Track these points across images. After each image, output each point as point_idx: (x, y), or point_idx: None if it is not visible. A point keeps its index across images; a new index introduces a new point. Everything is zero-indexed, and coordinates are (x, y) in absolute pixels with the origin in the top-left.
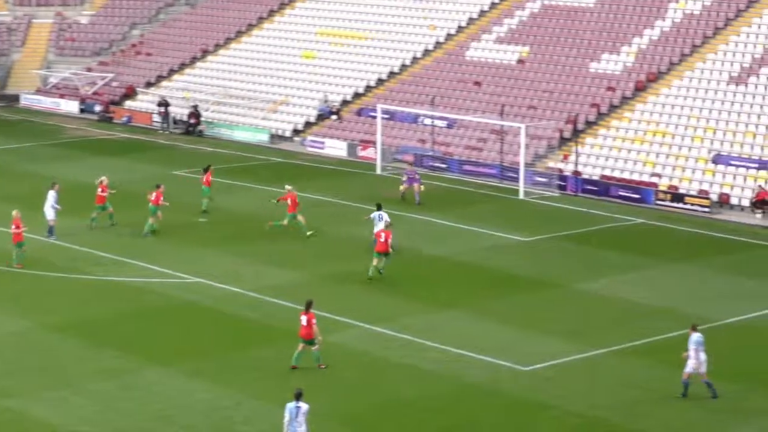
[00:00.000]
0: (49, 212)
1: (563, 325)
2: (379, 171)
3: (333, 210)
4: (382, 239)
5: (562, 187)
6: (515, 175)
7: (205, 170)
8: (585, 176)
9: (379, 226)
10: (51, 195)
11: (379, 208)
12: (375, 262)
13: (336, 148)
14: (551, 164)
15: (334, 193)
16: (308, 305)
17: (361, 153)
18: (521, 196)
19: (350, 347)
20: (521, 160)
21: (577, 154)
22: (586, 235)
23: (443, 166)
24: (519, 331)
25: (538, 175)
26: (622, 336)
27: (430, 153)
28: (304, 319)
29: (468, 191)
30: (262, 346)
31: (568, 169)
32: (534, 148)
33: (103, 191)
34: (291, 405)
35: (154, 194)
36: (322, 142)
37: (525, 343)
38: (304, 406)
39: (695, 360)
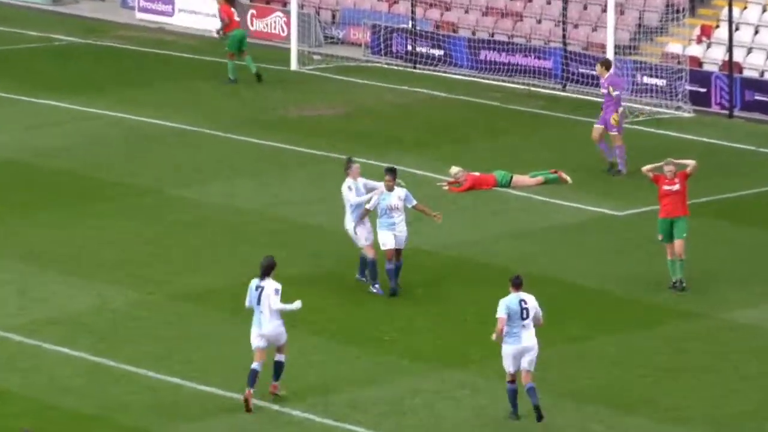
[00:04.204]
0: None
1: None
2: (294, 65)
3: (193, 156)
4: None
5: (698, 99)
6: (590, 71)
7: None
8: (747, 75)
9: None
10: None
11: (390, 173)
12: None
13: (198, 14)
14: (672, 48)
15: (201, 119)
16: None
17: (255, 24)
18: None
19: None
20: (609, 40)
21: (732, 26)
22: (740, 203)
23: (439, 53)
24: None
25: (642, 70)
26: None
27: (405, 26)
28: None
29: (496, 108)
30: None
31: (709, 58)
32: (632, 16)
33: None
34: (252, 284)
35: None
36: (169, 3)
37: None
38: (271, 286)
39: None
